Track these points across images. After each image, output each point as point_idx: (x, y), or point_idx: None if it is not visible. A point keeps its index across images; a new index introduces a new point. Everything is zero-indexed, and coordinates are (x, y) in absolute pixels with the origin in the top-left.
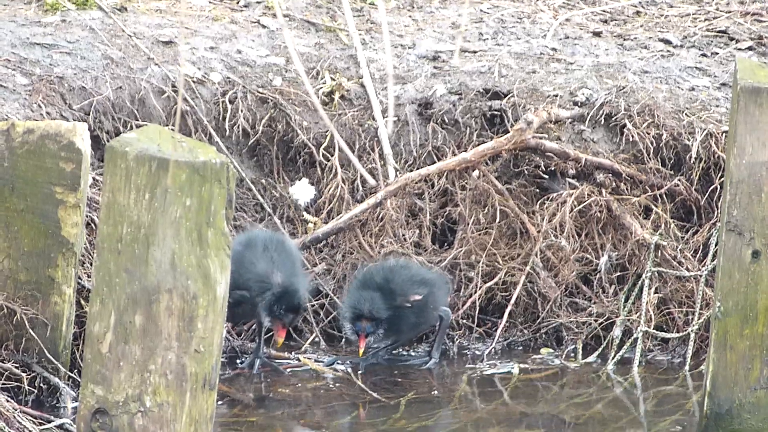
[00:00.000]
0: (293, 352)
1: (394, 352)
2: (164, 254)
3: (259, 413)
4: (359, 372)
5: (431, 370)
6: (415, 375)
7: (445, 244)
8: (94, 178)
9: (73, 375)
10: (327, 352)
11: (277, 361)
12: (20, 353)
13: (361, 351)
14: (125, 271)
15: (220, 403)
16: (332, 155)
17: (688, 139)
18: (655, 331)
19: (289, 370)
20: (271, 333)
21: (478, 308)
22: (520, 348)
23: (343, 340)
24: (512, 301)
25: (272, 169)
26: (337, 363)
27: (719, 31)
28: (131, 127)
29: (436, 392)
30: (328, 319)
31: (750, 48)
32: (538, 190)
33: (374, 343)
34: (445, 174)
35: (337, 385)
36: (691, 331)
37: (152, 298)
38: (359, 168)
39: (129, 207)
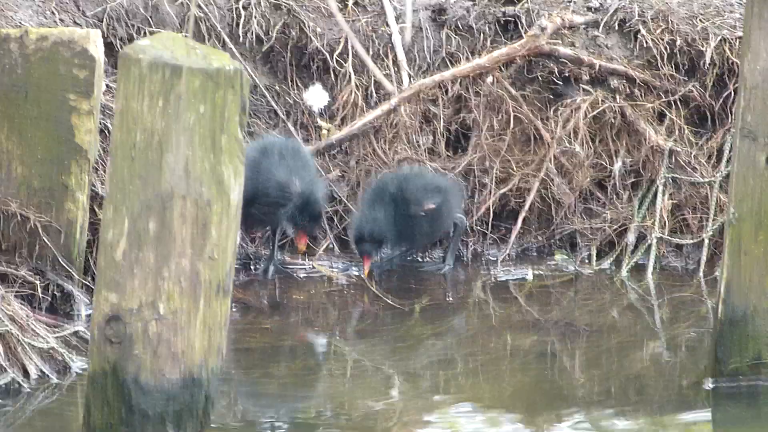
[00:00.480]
0: (307, 258)
1: (408, 258)
2: (178, 161)
3: (274, 319)
4: (374, 278)
5: (445, 276)
6: (429, 281)
7: (459, 150)
8: (107, 85)
9: (86, 282)
10: (341, 258)
11: (291, 267)
12: (34, 260)
13: (366, 271)
14: (139, 177)
15: (234, 309)
16: (346, 61)
17: (702, 45)
18: (669, 236)
19: (303, 276)
20: (285, 239)
21: (492, 214)
22: (535, 254)
23: None
24: (526, 207)
25: (286, 76)
26: (352, 269)
27: None
28: (145, 34)
29: (450, 298)
30: (342, 225)
31: None
32: (552, 96)
33: (389, 251)
34: (459, 80)
35: (351, 291)
36: (705, 236)
37: (166, 204)
38: (376, 73)
39: (142, 114)
